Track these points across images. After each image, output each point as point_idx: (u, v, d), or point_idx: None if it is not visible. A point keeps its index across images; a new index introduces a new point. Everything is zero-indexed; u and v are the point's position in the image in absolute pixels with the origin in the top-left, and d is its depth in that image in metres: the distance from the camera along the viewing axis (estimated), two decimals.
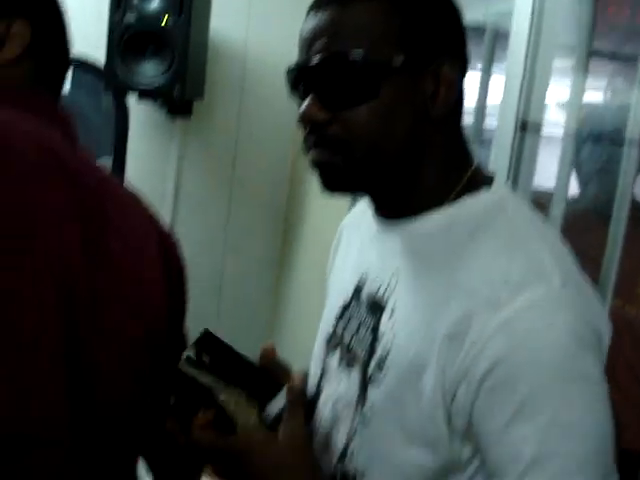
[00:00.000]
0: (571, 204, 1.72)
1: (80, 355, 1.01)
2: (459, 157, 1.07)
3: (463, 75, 1.04)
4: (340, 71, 0.98)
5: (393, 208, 1.08)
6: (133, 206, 1.22)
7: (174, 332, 1.25)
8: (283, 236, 3.54)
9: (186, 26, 2.78)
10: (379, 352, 1.04)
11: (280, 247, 3.54)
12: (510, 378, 0.90)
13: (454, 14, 1.05)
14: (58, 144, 1.06)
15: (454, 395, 0.94)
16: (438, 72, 0.99)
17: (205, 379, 1.06)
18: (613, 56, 2.73)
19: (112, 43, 2.81)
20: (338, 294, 1.21)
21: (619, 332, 1.13)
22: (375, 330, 1.06)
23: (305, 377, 1.15)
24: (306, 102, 1.02)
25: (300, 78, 1.05)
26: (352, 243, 1.24)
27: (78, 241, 1.01)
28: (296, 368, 1.25)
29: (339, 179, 1.05)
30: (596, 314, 0.96)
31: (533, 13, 1.59)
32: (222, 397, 1.05)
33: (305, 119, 1.02)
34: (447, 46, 1.02)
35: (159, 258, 1.21)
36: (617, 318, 1.25)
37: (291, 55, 3.37)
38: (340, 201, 2.62)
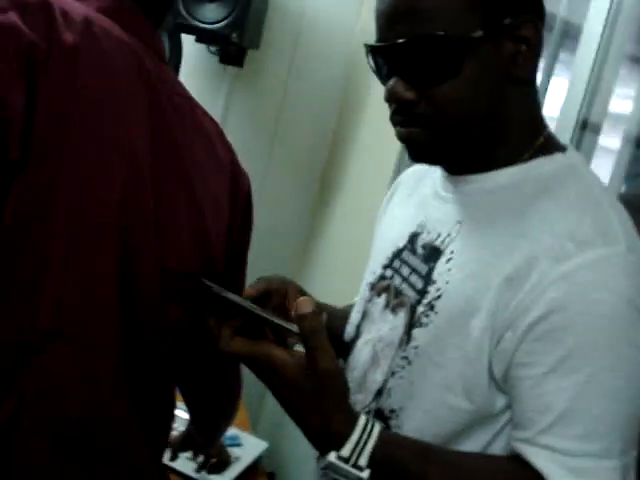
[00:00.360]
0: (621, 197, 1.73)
1: (132, 263, 1.07)
2: (535, 119, 1.09)
3: (541, 31, 1.03)
4: (424, 52, 1.00)
5: (467, 166, 1.10)
6: (211, 134, 1.25)
7: (233, 265, 1.27)
8: (318, 195, 3.55)
9: None
10: (431, 295, 1.07)
11: (313, 207, 3.55)
12: (559, 329, 0.93)
13: None
14: (150, 64, 1.13)
15: (500, 338, 0.97)
16: (517, 33, 1.00)
17: (232, 296, 1.02)
18: None
19: None
20: (387, 243, 1.24)
21: None
22: (429, 275, 1.09)
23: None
24: (392, 82, 1.04)
25: (382, 58, 1.06)
26: (412, 195, 1.27)
27: (148, 148, 1.08)
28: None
29: (429, 152, 1.08)
30: None
31: (609, 13, 1.58)
32: (251, 307, 1.02)
33: (393, 98, 1.04)
34: (523, 4, 1.02)
35: (229, 189, 1.23)
36: None
37: (348, 17, 3.40)
38: (381, 170, 2.64)
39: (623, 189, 1.93)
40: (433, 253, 1.11)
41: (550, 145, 1.08)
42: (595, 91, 1.59)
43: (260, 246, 3.47)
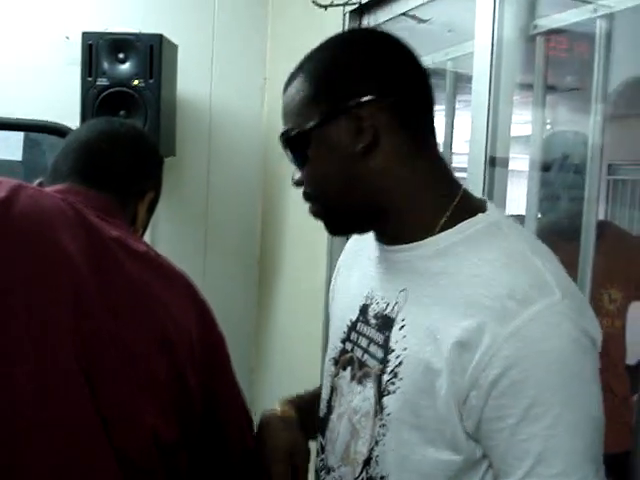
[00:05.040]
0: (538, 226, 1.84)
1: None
2: (442, 185, 1.18)
3: (383, 107, 1.13)
4: (288, 144, 1.18)
5: (392, 237, 1.20)
6: (149, 256, 1.37)
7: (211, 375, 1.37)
8: (259, 285, 3.64)
9: (157, 88, 2.90)
10: (392, 363, 1.14)
11: (257, 297, 3.63)
12: (518, 382, 1.01)
13: (370, 58, 1.16)
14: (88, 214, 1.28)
15: (466, 397, 1.05)
16: (358, 114, 1.11)
17: None
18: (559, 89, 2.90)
19: (85, 107, 2.93)
20: (340, 317, 1.32)
21: None
22: (386, 343, 1.16)
23: None
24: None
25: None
26: (353, 268, 1.35)
27: (93, 280, 1.19)
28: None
29: (332, 224, 1.23)
30: (590, 321, 1.07)
31: (492, 57, 1.72)
32: None
33: (292, 181, 1.21)
34: (363, 89, 1.12)
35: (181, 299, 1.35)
36: None
37: (252, 108, 3.52)
38: (316, 245, 2.73)
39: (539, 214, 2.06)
40: (386, 322, 1.18)
41: (469, 205, 1.17)
42: (495, 128, 1.71)
43: None
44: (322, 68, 1.16)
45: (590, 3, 1.57)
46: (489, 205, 1.19)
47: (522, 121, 1.98)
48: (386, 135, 1.13)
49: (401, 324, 1.15)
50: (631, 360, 2.58)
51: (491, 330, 1.03)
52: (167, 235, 3.43)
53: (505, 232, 1.14)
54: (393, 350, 1.14)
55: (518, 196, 1.92)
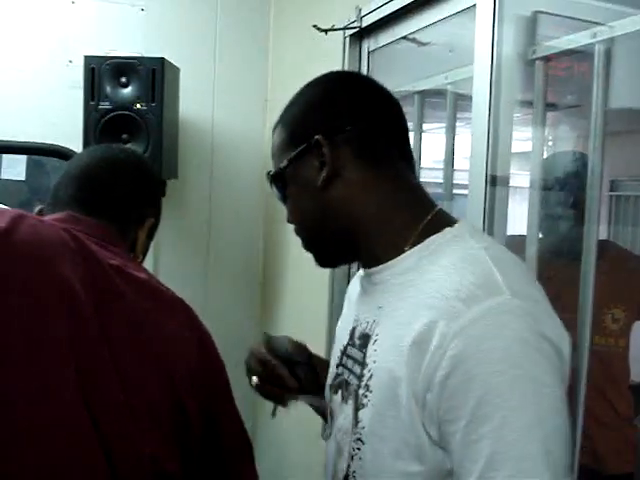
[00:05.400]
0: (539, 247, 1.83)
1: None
2: (411, 207, 1.23)
3: (358, 142, 1.22)
4: (270, 184, 1.30)
5: (369, 260, 1.25)
6: (150, 284, 1.38)
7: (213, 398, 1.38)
8: (261, 307, 3.64)
9: (159, 111, 2.92)
10: (366, 377, 1.17)
11: (259, 319, 3.63)
12: (464, 382, 1.00)
13: (328, 97, 1.27)
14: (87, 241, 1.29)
15: (424, 401, 1.05)
16: (320, 151, 1.21)
17: None
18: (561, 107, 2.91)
19: (88, 130, 2.94)
20: (337, 346, 1.36)
21: (589, 361, 1.22)
22: (363, 360, 1.19)
23: None
24: None
25: None
26: (352, 297, 1.40)
27: (91, 304, 1.19)
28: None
29: (317, 256, 1.31)
30: (549, 325, 1.05)
31: (491, 78, 1.73)
32: None
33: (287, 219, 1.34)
34: (323, 127, 1.22)
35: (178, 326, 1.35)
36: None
37: (254, 130, 3.54)
38: (318, 267, 2.72)
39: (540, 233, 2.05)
40: (365, 340, 1.21)
41: (439, 222, 1.20)
42: (496, 147, 1.72)
43: None
44: (291, 113, 1.28)
45: (592, 23, 1.58)
46: (460, 221, 1.22)
47: (524, 138, 1.98)
48: (346, 166, 1.21)
49: (375, 339, 1.18)
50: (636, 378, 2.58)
51: (440, 330, 1.04)
52: (169, 257, 3.44)
53: (466, 240, 1.16)
54: (367, 365, 1.17)
55: (521, 213, 1.92)
